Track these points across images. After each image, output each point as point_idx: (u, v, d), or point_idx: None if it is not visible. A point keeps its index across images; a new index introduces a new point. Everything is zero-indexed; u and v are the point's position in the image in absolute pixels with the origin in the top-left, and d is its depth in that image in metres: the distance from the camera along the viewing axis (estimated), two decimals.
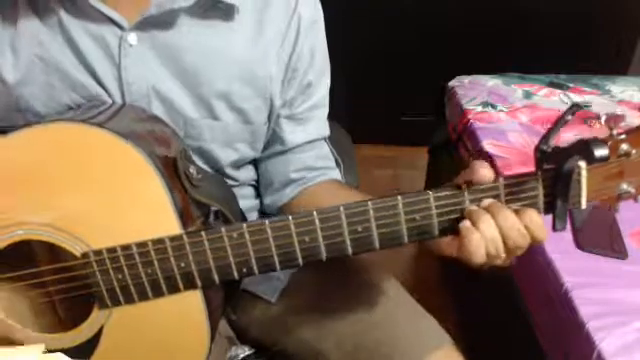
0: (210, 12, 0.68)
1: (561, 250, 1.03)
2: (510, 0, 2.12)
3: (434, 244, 0.58)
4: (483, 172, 0.54)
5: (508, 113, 1.55)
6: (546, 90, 1.68)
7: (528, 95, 1.65)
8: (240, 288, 0.79)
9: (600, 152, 0.46)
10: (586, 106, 1.53)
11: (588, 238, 1.06)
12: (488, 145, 1.38)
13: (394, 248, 0.56)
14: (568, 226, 1.14)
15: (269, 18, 0.71)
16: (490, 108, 1.57)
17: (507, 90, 1.68)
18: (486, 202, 0.54)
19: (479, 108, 1.56)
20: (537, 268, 1.04)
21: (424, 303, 0.76)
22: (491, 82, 1.72)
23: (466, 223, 0.54)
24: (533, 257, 1.06)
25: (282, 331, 0.77)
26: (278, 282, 0.79)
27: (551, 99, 1.63)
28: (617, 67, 2.12)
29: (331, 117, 0.85)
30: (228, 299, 0.68)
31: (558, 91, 1.67)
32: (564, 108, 0.54)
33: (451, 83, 1.74)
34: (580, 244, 1.05)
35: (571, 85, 1.70)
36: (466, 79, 1.74)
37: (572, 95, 1.65)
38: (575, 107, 0.51)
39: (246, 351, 0.81)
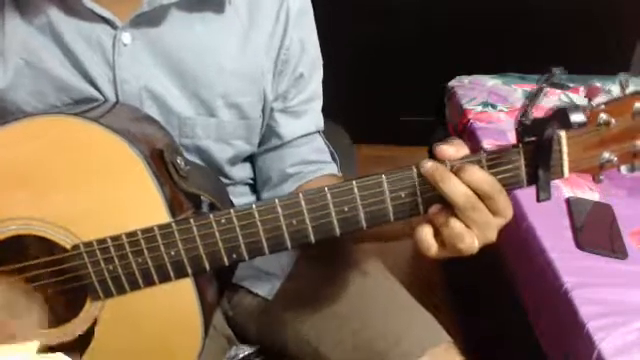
0: (201, 5, 0.67)
1: (561, 250, 1.03)
2: (510, 0, 2.12)
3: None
4: (448, 151, 0.55)
5: (508, 113, 1.55)
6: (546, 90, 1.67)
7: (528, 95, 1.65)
8: (235, 283, 0.78)
9: (576, 117, 0.47)
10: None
11: (588, 238, 1.06)
12: (488, 145, 1.39)
13: (382, 226, 0.56)
14: (568, 226, 1.13)
15: (259, 10, 0.71)
16: (490, 108, 1.57)
17: (507, 90, 1.68)
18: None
19: (479, 108, 1.57)
20: (537, 268, 1.04)
21: (424, 303, 0.75)
22: (491, 82, 1.72)
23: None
24: (533, 257, 1.05)
25: (280, 329, 0.76)
26: (275, 279, 0.79)
27: (551, 99, 1.63)
28: (617, 67, 2.11)
29: (331, 117, 0.84)
30: (222, 292, 0.67)
31: (558, 91, 1.67)
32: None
33: (451, 83, 1.74)
34: (580, 244, 1.05)
35: (571, 85, 1.70)
36: (466, 79, 1.74)
37: (572, 95, 1.64)
38: (549, 76, 0.51)
39: (245, 351, 0.81)
